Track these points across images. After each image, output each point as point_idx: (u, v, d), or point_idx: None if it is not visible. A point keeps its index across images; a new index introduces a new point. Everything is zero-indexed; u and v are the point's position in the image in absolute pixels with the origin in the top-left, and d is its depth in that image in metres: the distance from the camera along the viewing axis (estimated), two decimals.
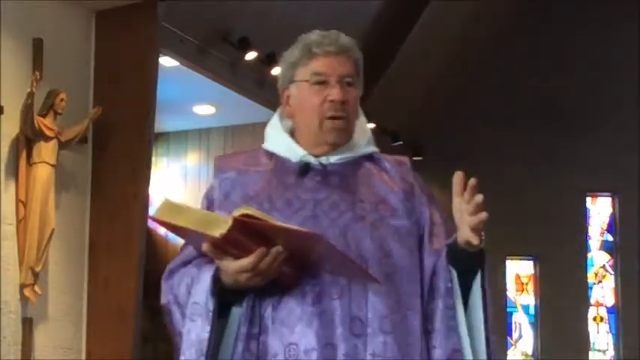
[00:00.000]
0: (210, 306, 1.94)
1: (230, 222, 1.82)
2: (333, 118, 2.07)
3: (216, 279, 1.95)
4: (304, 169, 2.08)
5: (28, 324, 5.57)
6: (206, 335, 1.93)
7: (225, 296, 1.96)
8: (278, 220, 1.91)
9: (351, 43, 2.11)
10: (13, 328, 5.50)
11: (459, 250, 1.99)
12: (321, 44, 2.08)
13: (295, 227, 1.88)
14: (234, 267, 1.90)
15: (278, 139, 2.15)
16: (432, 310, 2.04)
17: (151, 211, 6.88)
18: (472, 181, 1.93)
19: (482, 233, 1.96)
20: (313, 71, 2.08)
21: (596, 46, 10.58)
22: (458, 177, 1.94)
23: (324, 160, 2.09)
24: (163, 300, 2.09)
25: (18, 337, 5.52)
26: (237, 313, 1.98)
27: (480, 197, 1.90)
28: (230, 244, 1.87)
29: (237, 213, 1.84)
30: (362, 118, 2.19)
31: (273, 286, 1.96)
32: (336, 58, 2.08)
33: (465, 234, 1.94)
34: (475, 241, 1.92)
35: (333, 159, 2.10)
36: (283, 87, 2.16)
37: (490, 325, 2.03)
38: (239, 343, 1.95)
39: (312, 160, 2.09)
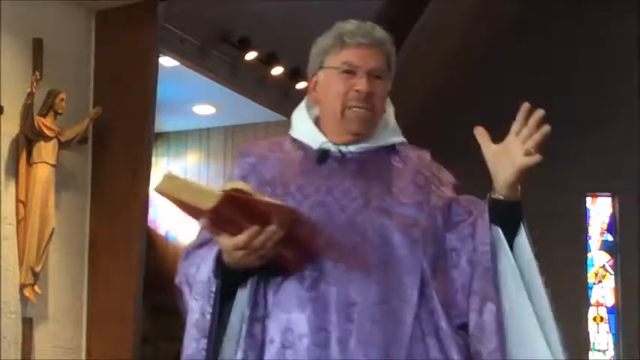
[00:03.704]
0: (212, 287, 1.96)
1: (219, 196, 1.81)
2: (356, 107, 2.07)
3: (220, 260, 1.96)
4: (322, 156, 2.09)
5: (28, 324, 5.57)
6: (207, 316, 1.95)
7: (230, 277, 1.96)
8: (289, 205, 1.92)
9: (386, 37, 2.12)
10: (13, 328, 5.50)
11: (495, 205, 2.01)
12: (355, 34, 2.08)
13: (272, 200, 1.87)
14: (228, 243, 1.90)
15: (302, 126, 2.16)
16: (470, 278, 2.03)
17: (151, 212, 6.90)
18: (538, 112, 1.95)
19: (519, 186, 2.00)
20: (343, 60, 2.08)
21: (596, 46, 10.59)
22: (525, 105, 1.96)
23: (343, 148, 2.10)
24: (176, 280, 2.10)
25: (18, 337, 5.52)
26: (244, 295, 1.98)
27: (540, 111, 1.93)
28: (223, 220, 1.87)
29: (228, 186, 1.84)
30: (389, 109, 2.22)
31: (277, 271, 1.96)
32: (367, 50, 2.08)
33: (519, 163, 1.96)
34: (534, 158, 1.94)
35: (353, 147, 2.10)
36: (312, 72, 2.16)
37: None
38: (244, 325, 1.95)
39: (331, 147, 2.10)
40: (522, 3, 10.43)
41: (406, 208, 2.05)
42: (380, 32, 2.11)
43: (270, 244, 1.88)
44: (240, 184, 1.86)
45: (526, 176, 1.99)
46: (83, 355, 6.01)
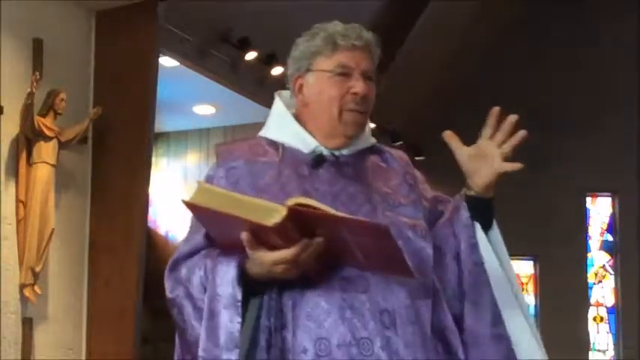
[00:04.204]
0: (238, 296, 1.87)
1: (285, 211, 1.73)
2: (354, 111, 2.05)
3: (240, 269, 1.88)
4: (319, 160, 2.06)
5: (28, 324, 5.56)
6: (237, 326, 1.86)
7: (246, 288, 1.89)
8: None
9: (374, 39, 2.09)
10: (13, 328, 5.50)
11: (471, 202, 2.03)
12: (347, 37, 2.05)
13: (360, 218, 1.82)
14: (272, 258, 1.82)
15: (286, 129, 2.11)
16: (459, 274, 2.05)
17: (151, 211, 6.89)
18: (512, 117, 2.01)
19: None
20: (337, 63, 2.05)
21: (596, 46, 10.59)
22: (495, 110, 2.01)
23: (336, 151, 2.07)
24: (171, 294, 2.00)
25: (18, 337, 5.52)
26: (255, 304, 1.91)
27: (514, 116, 1.99)
28: (276, 234, 1.78)
29: (290, 202, 1.76)
30: None
31: (295, 280, 1.89)
32: (360, 52, 2.06)
33: (498, 167, 1.99)
34: (515, 166, 1.97)
35: (345, 150, 2.08)
36: (297, 75, 2.12)
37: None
38: (262, 335, 1.88)
39: (324, 151, 2.07)
40: (522, 3, 10.44)
41: (406, 208, 2.05)
42: (367, 33, 2.09)
43: (315, 256, 1.83)
44: (303, 199, 1.78)
45: (504, 178, 2.02)
46: (83, 355, 6.01)
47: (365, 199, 2.02)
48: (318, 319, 1.88)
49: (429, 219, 2.10)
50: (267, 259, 1.83)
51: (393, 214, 2.01)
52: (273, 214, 1.73)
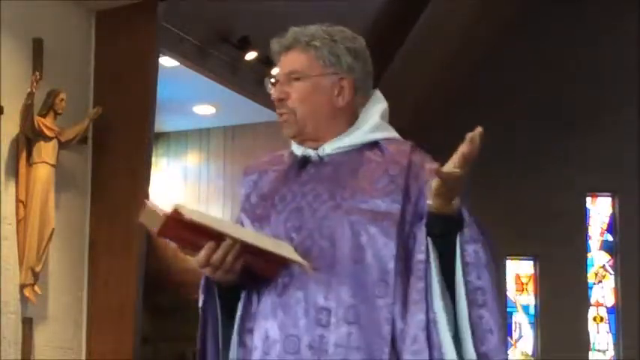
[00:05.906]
0: (200, 303, 2.03)
1: (163, 219, 1.84)
2: (279, 114, 2.14)
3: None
4: (302, 162, 2.12)
5: (28, 324, 5.57)
6: (199, 331, 2.04)
7: (228, 292, 2.01)
8: (272, 217, 1.99)
9: (303, 36, 2.12)
10: (13, 328, 5.50)
11: (435, 215, 1.91)
12: (274, 47, 2.15)
13: (204, 222, 1.87)
14: (195, 261, 1.94)
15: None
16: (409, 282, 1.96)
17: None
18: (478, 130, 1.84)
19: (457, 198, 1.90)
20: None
21: (596, 47, 10.59)
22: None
23: (320, 151, 2.11)
24: (199, 302, 2.15)
25: (18, 337, 5.52)
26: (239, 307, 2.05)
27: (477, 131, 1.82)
28: (182, 239, 1.90)
29: (172, 209, 1.85)
30: (374, 108, 2.17)
31: (263, 281, 1.99)
32: (283, 57, 2.13)
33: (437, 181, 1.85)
34: (452, 171, 1.82)
35: (329, 149, 2.10)
36: None
37: (485, 288, 2.02)
38: (235, 336, 2.00)
39: (311, 153, 2.11)
40: (522, 3, 10.44)
41: (378, 201, 2.00)
42: (295, 34, 2.12)
43: (231, 257, 1.90)
44: (179, 206, 1.85)
45: (452, 191, 1.87)
46: (83, 355, 6.01)
47: (329, 197, 2.03)
48: (265, 317, 1.97)
49: (415, 205, 2.01)
50: (195, 263, 1.95)
51: (356, 209, 1.98)
52: (158, 221, 1.84)
